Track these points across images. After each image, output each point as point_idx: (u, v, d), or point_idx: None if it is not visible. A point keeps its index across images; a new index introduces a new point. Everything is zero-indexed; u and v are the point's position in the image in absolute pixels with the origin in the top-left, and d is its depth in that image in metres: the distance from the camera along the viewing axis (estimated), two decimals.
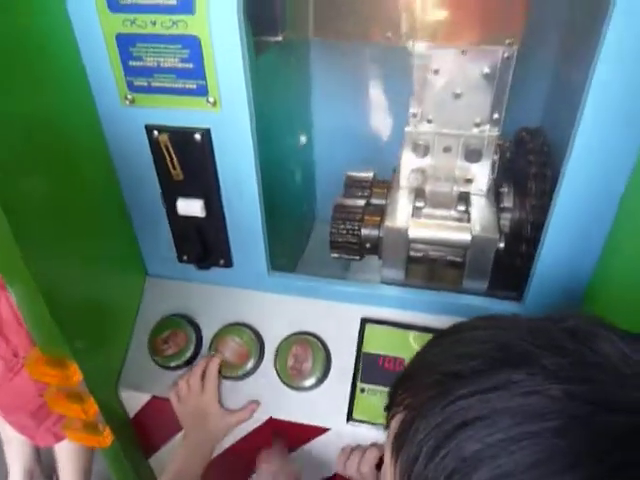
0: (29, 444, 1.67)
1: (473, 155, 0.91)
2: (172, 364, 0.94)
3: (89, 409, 0.89)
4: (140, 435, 1.05)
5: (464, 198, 0.94)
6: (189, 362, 0.95)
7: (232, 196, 0.86)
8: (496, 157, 0.94)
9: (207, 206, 0.86)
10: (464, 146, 0.91)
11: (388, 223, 0.89)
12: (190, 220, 0.88)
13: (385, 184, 1.05)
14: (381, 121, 1.21)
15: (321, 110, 1.25)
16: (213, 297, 0.99)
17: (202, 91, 0.76)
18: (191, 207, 0.85)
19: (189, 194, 0.86)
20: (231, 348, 0.93)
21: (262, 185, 0.86)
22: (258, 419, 0.91)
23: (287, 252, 1.20)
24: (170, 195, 0.87)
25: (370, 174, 1.06)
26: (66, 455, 1.68)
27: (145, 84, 0.78)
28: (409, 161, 0.95)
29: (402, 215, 0.91)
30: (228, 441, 0.95)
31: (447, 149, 0.93)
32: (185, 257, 0.96)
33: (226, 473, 1.00)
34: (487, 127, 0.89)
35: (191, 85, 0.76)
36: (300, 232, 1.31)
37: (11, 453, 1.73)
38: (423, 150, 0.93)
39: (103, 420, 0.93)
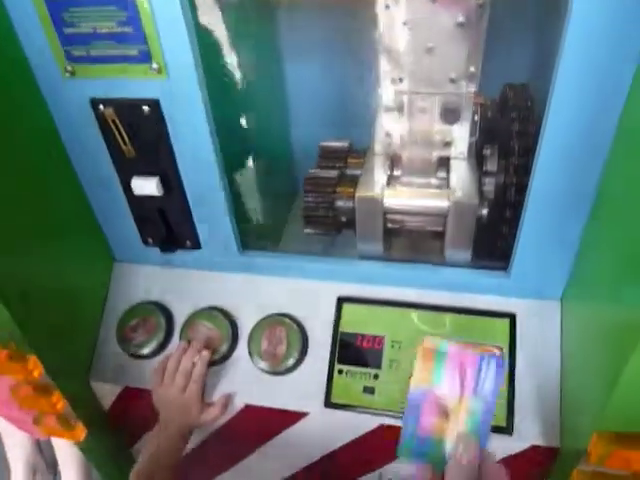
0: (29, 437, 1.66)
1: (451, 115, 0.84)
2: (142, 352, 0.90)
3: (57, 403, 0.85)
4: (119, 425, 1.01)
5: (444, 163, 0.88)
6: (160, 349, 0.90)
7: (190, 171, 0.80)
8: (477, 117, 0.87)
9: (164, 184, 0.80)
10: (440, 105, 0.84)
11: (361, 193, 0.83)
12: (148, 200, 0.83)
13: (362, 154, 0.98)
14: (360, 86, 1.13)
15: (294, 78, 1.18)
16: (183, 281, 0.94)
17: (145, 57, 0.70)
18: (146, 186, 0.80)
19: (143, 172, 0.80)
20: (203, 333, 0.89)
21: (225, 158, 0.80)
22: (234, 407, 0.87)
23: (266, 230, 1.14)
24: (124, 174, 0.81)
25: (345, 143, 1.00)
26: (65, 447, 1.66)
27: (84, 53, 0.72)
28: (383, 125, 0.88)
29: (376, 184, 0.85)
30: (204, 431, 0.91)
31: (423, 110, 0.85)
32: (150, 240, 0.91)
33: (203, 464, 0.97)
34: (464, 83, 0.81)
35: (132, 51, 0.70)
36: (279, 209, 1.25)
37: (12, 447, 1.72)
38: (397, 112, 0.86)
39: (74, 414, 0.89)
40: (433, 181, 0.88)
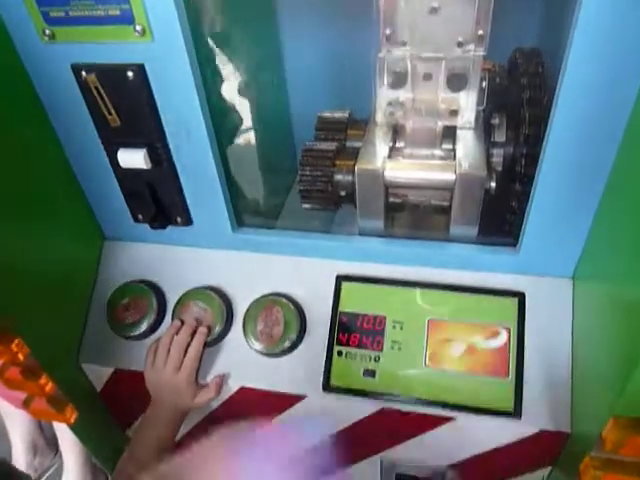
0: (29, 416, 1.65)
1: (457, 81, 0.79)
2: (133, 333, 0.86)
3: (45, 385, 0.82)
4: (113, 407, 0.99)
5: (449, 134, 0.83)
6: (152, 330, 0.87)
7: (179, 142, 0.75)
8: (484, 83, 0.81)
9: (152, 156, 0.76)
10: (446, 71, 0.78)
11: (361, 165, 0.78)
12: (137, 174, 0.78)
13: (363, 125, 0.93)
14: (360, 51, 1.07)
15: (291, 44, 1.12)
16: (175, 259, 0.90)
17: (127, 18, 0.65)
18: (133, 158, 0.75)
19: (130, 143, 0.75)
20: (196, 313, 0.85)
21: (217, 129, 0.75)
22: (228, 389, 0.83)
23: (264, 207, 1.10)
24: (111, 146, 0.77)
25: (345, 114, 0.94)
26: (65, 427, 1.65)
27: (62, 14, 0.67)
28: (385, 93, 0.83)
29: (377, 156, 0.80)
30: (198, 414, 0.88)
31: (427, 76, 0.80)
32: (140, 216, 0.87)
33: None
34: (471, 46, 0.76)
35: (114, 11, 0.65)
36: (278, 185, 1.20)
37: (13, 427, 1.71)
38: (400, 79, 0.81)
39: (64, 396, 0.86)
40: (438, 153, 0.83)
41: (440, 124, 0.84)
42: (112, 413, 0.99)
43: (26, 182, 0.76)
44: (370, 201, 0.80)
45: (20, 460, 1.73)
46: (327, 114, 0.94)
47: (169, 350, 0.80)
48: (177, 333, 0.81)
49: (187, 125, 0.72)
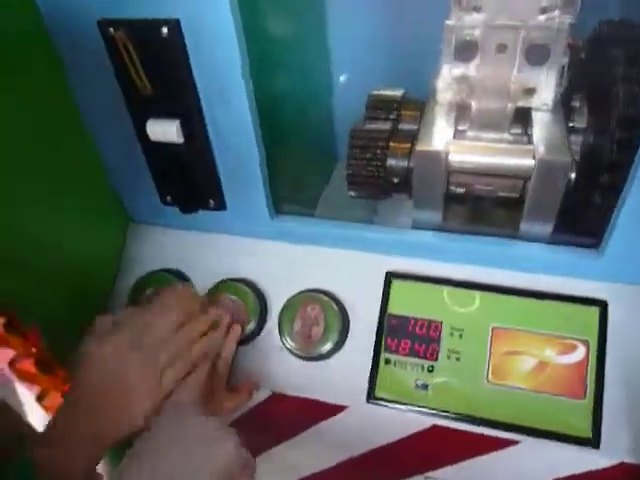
0: None
1: (538, 54, 0.68)
2: None
3: (60, 380, 0.75)
4: None
5: (523, 116, 0.72)
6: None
7: (218, 113, 0.66)
8: (566, 59, 0.70)
9: (185, 128, 0.67)
10: (525, 42, 0.68)
11: (421, 147, 0.68)
12: (166, 148, 0.70)
13: (419, 105, 0.83)
14: (421, 21, 0.95)
15: (338, 12, 1.02)
16: (206, 247, 0.82)
17: None
18: (164, 130, 0.66)
19: (161, 113, 0.67)
20: (227, 308, 0.76)
21: (260, 101, 0.65)
22: (257, 395, 0.75)
23: (300, 193, 1.00)
24: (139, 116, 0.68)
25: (399, 92, 0.84)
26: None
27: None
28: (450, 67, 0.72)
29: (440, 137, 0.69)
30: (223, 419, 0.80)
31: (502, 48, 0.69)
32: (169, 198, 0.78)
33: None
34: (557, 13, 0.65)
35: None
36: (316, 171, 1.11)
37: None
38: (469, 51, 0.70)
39: None
40: (507, 137, 0.73)
41: (511, 105, 0.73)
42: None
43: (41, 155, 0.68)
44: (429, 189, 0.70)
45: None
46: (379, 92, 0.84)
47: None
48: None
49: (227, 93, 0.63)
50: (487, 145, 0.68)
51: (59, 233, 0.72)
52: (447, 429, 0.67)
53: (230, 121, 0.66)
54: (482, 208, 0.74)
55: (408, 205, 0.85)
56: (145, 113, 0.67)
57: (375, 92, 0.84)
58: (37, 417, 1.39)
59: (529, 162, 0.64)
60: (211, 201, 0.76)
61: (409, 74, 0.88)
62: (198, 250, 0.82)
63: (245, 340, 0.75)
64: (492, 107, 0.73)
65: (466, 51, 0.71)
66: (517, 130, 0.72)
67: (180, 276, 0.80)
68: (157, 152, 0.71)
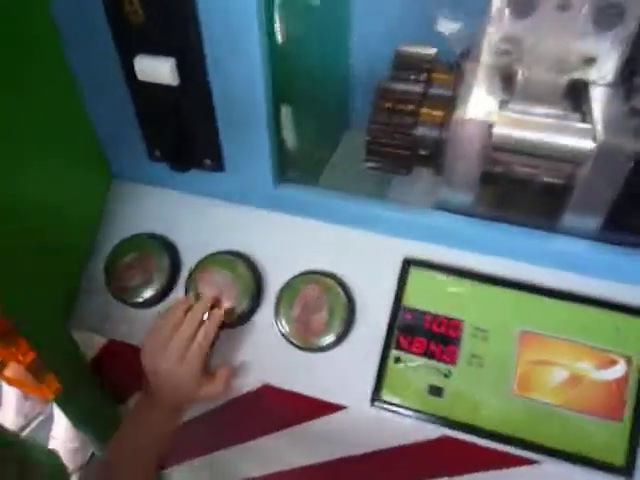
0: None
1: (608, 16, 0.57)
2: (135, 299, 0.68)
3: (22, 354, 0.65)
4: (105, 381, 0.82)
5: (578, 89, 0.62)
6: (159, 298, 0.69)
7: (223, 56, 0.55)
8: (636, 23, 0.60)
9: (182, 69, 0.56)
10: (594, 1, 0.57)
11: (461, 115, 0.58)
12: (158, 92, 0.59)
13: (452, 68, 0.72)
14: None
15: None
16: (197, 212, 0.72)
17: None
18: (156, 68, 0.55)
19: (154, 49, 0.55)
20: (217, 284, 0.67)
21: (271, 48, 0.54)
22: (247, 385, 0.66)
23: (304, 162, 0.90)
24: (128, 50, 0.57)
25: (430, 51, 0.73)
26: None
27: None
28: (500, 24, 0.61)
29: (482, 106, 0.59)
30: (207, 405, 0.71)
31: (564, 5, 0.58)
32: (157, 152, 0.67)
33: (198, 436, 0.78)
34: None
35: None
36: (325, 137, 1.00)
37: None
38: (527, 5, 0.59)
39: (44, 368, 0.69)
40: (556, 113, 0.62)
41: (567, 75, 0.63)
42: (104, 387, 0.83)
43: (14, 92, 0.56)
44: (464, 165, 0.60)
45: (10, 403, 1.62)
46: (409, 49, 0.73)
47: (174, 331, 0.62)
48: (188, 310, 0.63)
49: (237, 33, 0.52)
50: (539, 120, 0.58)
51: (24, 181, 0.61)
52: (457, 441, 0.59)
53: (237, 67, 0.55)
54: (520, 193, 0.64)
55: (424, 182, 0.75)
56: (135, 47, 0.56)
57: (404, 49, 0.73)
58: None
59: (588, 144, 0.54)
60: (207, 160, 0.66)
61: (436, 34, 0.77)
62: (187, 215, 0.72)
63: (235, 322, 0.66)
64: (543, 76, 0.63)
65: (522, 5, 0.60)
66: (571, 104, 0.62)
67: (165, 244, 0.70)
68: (146, 96, 0.60)
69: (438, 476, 0.67)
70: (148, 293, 0.68)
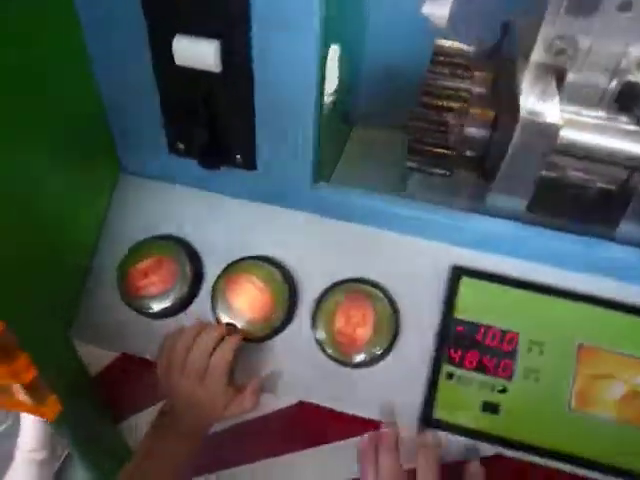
0: None
1: None
2: (153, 309, 0.61)
3: (23, 371, 0.57)
4: (108, 397, 0.75)
5: (632, 93, 0.59)
6: (180, 308, 0.62)
7: (272, 33, 0.48)
8: None
9: (225, 53, 0.49)
10: None
11: (526, 114, 0.54)
12: (193, 78, 0.52)
13: (489, 65, 0.68)
14: None
15: None
16: (221, 212, 0.65)
17: None
18: (198, 53, 0.48)
19: (194, 29, 0.48)
20: (247, 294, 0.61)
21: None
22: (281, 401, 0.61)
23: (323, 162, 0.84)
24: (160, 29, 0.50)
25: (469, 47, 0.69)
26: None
27: None
28: (557, 20, 0.58)
29: (544, 106, 0.56)
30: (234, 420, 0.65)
31: (624, 5, 0.56)
32: (181, 145, 0.60)
33: (221, 451, 0.72)
34: None
35: None
36: (336, 135, 0.94)
37: None
38: (585, 4, 0.56)
39: (46, 385, 0.61)
40: (604, 115, 0.60)
41: (619, 77, 0.60)
42: (105, 403, 0.75)
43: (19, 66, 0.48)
44: (522, 168, 0.57)
45: None
46: (446, 44, 0.69)
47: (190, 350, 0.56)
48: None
49: (290, 7, 0.46)
50: (607, 124, 0.55)
51: (16, 176, 0.53)
52: (511, 460, 0.56)
53: (289, 47, 0.48)
54: (577, 199, 0.61)
55: (443, 183, 0.71)
56: (170, 26, 0.49)
57: (442, 43, 0.69)
58: None
59: None
60: (238, 157, 0.59)
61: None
62: (209, 216, 0.65)
63: (268, 336, 0.60)
64: (596, 78, 0.60)
65: (582, 4, 0.56)
66: (619, 109, 0.60)
67: (186, 247, 0.63)
68: (179, 83, 0.53)
69: None
70: (167, 301, 0.61)
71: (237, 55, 0.50)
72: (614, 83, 0.60)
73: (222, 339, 0.57)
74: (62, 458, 1.54)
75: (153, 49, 0.51)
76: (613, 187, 0.59)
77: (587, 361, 0.56)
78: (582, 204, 0.60)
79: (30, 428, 1.47)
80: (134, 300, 0.62)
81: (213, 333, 0.57)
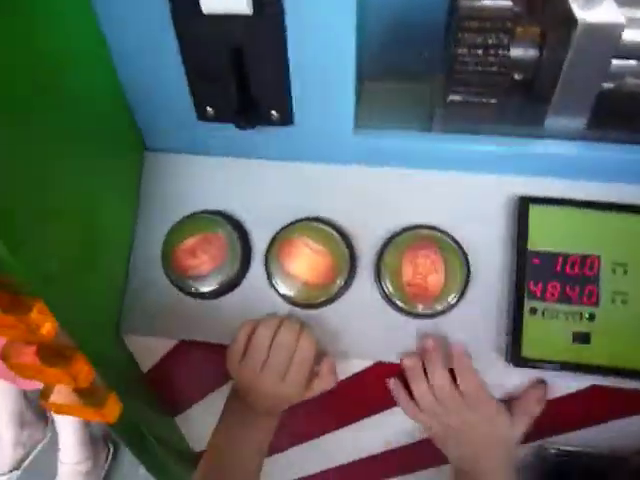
0: (15, 387, 1.37)
1: None
2: (206, 289, 0.57)
3: (79, 372, 0.53)
4: (163, 390, 0.71)
5: None
6: (234, 285, 0.58)
7: None
8: None
9: None
10: None
11: (583, 15, 0.49)
12: (222, 29, 0.47)
13: None
14: None
15: None
16: (262, 178, 0.61)
17: None
18: None
19: None
20: (305, 258, 0.57)
21: None
22: (358, 365, 0.57)
23: None
24: None
25: None
26: None
27: None
28: None
29: (602, 6, 0.51)
30: None
31: None
32: (210, 110, 0.55)
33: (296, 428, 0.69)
34: None
35: None
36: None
37: None
38: None
39: (105, 385, 0.57)
40: None
41: None
42: (160, 397, 0.71)
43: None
44: (581, 81, 0.53)
45: (6, 435, 1.45)
46: None
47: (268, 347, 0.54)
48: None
49: None
50: None
51: (36, 165, 0.48)
52: (608, 389, 0.54)
53: None
54: (635, 108, 0.57)
55: (470, 117, 0.66)
56: None
57: None
58: None
59: None
60: (273, 112, 0.55)
61: None
62: (249, 183, 0.61)
63: (331, 299, 0.57)
64: None
65: None
66: None
67: (230, 220, 0.59)
68: (204, 36, 0.48)
69: (587, 425, 0.62)
70: (220, 279, 0.57)
71: None
72: None
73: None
74: (106, 466, 1.53)
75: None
76: None
77: None
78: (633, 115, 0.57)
79: (71, 441, 1.44)
80: (184, 282, 0.58)
81: (294, 327, 0.54)
